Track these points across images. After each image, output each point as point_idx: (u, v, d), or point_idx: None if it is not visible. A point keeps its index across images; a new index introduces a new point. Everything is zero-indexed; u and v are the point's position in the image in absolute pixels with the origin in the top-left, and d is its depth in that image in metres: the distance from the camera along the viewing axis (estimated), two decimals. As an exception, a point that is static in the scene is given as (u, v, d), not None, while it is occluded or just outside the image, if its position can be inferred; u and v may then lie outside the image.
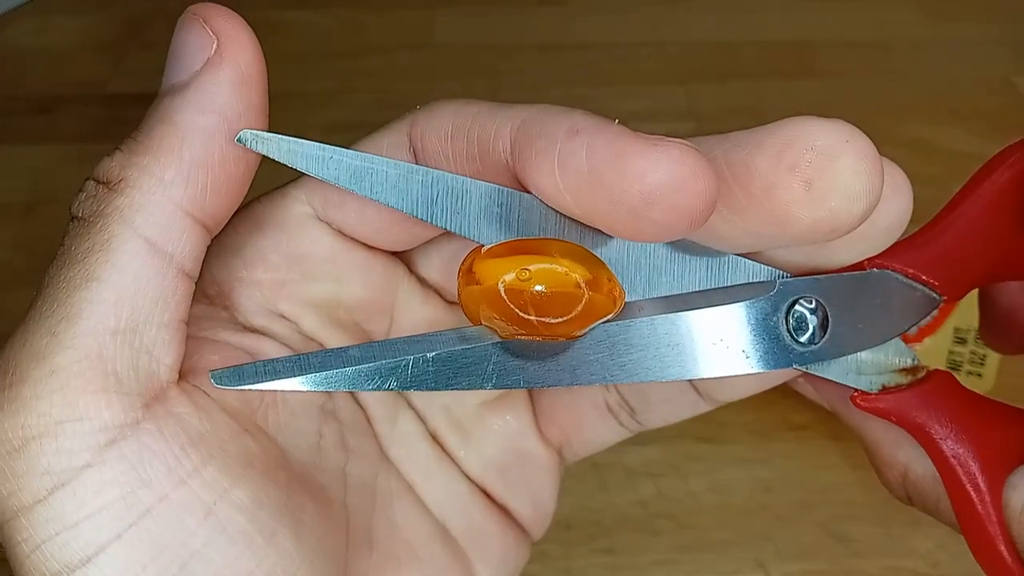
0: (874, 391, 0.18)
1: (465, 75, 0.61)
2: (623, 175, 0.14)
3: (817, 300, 0.17)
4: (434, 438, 0.23)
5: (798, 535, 0.36)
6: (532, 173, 0.16)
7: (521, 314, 0.15)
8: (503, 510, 0.24)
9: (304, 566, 0.17)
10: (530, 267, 0.14)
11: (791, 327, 0.17)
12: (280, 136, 0.16)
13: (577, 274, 0.15)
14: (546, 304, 0.15)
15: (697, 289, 0.17)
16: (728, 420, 0.39)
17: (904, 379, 0.19)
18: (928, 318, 0.19)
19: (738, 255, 0.17)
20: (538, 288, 0.14)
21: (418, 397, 0.23)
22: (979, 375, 0.38)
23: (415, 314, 0.22)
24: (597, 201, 0.15)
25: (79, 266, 0.15)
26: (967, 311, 0.35)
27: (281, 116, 0.64)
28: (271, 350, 0.19)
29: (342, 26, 0.66)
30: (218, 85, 0.16)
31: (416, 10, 0.68)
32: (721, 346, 0.16)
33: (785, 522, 0.36)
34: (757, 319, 0.16)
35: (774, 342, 0.16)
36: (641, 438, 0.40)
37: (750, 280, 0.17)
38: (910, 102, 0.58)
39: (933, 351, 0.37)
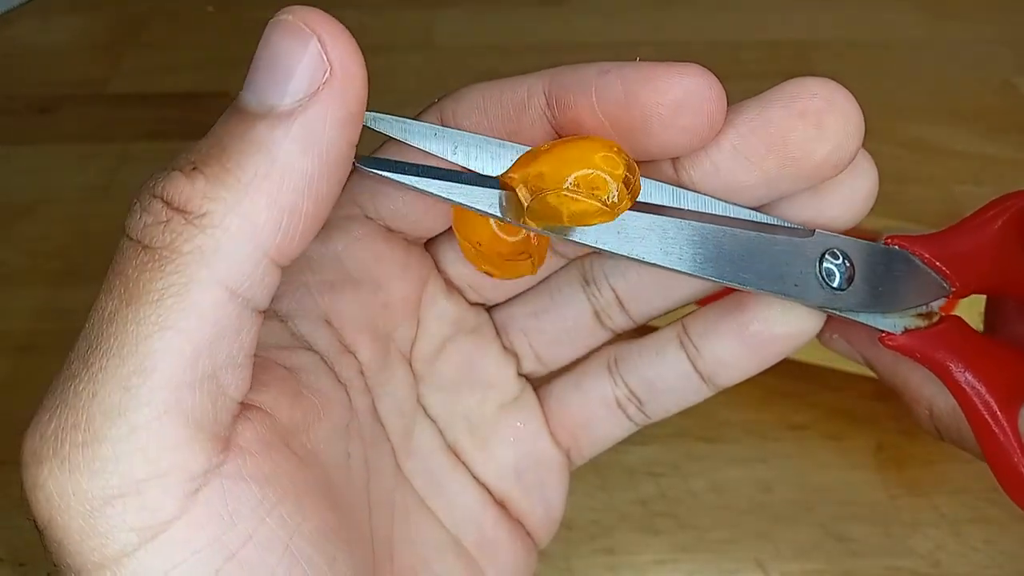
0: (897, 332, 0.21)
1: (465, 75, 0.60)
2: (655, 90, 0.17)
3: (845, 255, 0.19)
4: (452, 448, 0.23)
5: (798, 535, 0.36)
6: (572, 111, 0.18)
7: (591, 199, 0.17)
8: (513, 520, 0.24)
9: None
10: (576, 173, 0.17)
11: (823, 273, 0.19)
12: (394, 117, 0.17)
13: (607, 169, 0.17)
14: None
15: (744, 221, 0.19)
16: (728, 420, 0.39)
17: (922, 323, 0.21)
18: (934, 315, 0.21)
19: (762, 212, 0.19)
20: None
21: (437, 405, 0.23)
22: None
23: (439, 307, 0.22)
24: (633, 120, 0.17)
25: (151, 308, 0.14)
26: (969, 310, 0.35)
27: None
28: (312, 366, 0.19)
29: (342, 26, 0.66)
30: (326, 124, 0.14)
31: (416, 11, 0.68)
32: (762, 267, 0.18)
33: (785, 522, 0.36)
34: (794, 256, 0.19)
35: (808, 280, 0.19)
36: (641, 438, 0.40)
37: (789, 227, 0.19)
38: (910, 102, 0.58)
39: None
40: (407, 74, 0.61)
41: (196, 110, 0.58)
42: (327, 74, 0.14)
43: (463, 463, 0.23)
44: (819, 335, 0.23)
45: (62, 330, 0.43)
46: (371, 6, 0.68)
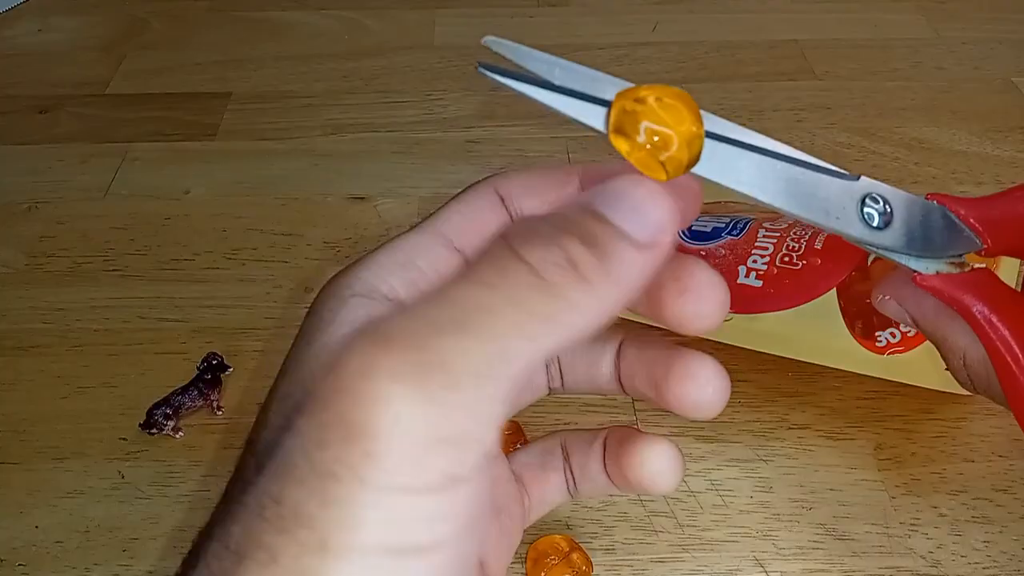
0: (930, 274, 0.22)
1: (465, 76, 0.61)
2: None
3: (885, 201, 0.21)
4: None
5: (797, 534, 0.36)
6: None
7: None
8: None
9: None
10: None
11: (863, 214, 0.21)
12: (510, 41, 0.19)
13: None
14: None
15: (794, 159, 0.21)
16: (728, 420, 0.39)
17: (954, 269, 0.23)
18: (966, 265, 0.23)
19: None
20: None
21: None
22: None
23: None
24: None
25: (525, 319, 0.17)
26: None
27: (282, 116, 0.64)
28: None
29: (342, 26, 0.66)
30: (659, 259, 0.18)
31: (416, 11, 0.68)
32: (810, 199, 0.20)
33: (784, 521, 0.36)
34: (839, 194, 0.21)
35: (849, 216, 0.21)
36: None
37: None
38: (910, 102, 0.58)
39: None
40: (407, 74, 0.61)
41: (196, 110, 0.58)
42: (669, 230, 0.18)
43: None
44: (872, 297, 0.26)
45: (62, 330, 0.43)
46: (371, 6, 0.68)
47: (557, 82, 0.19)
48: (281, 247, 0.48)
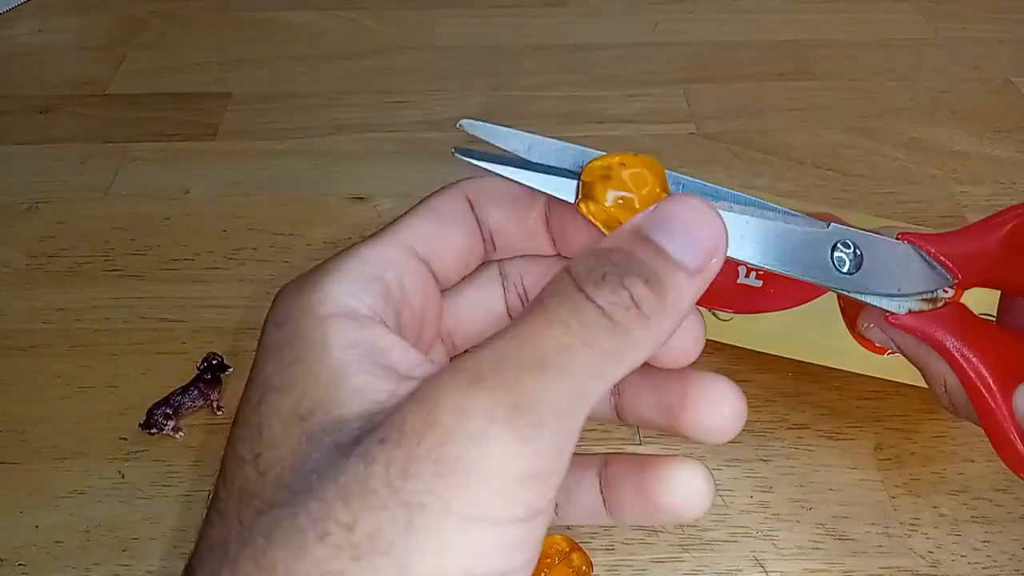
0: (902, 313, 0.23)
1: (465, 76, 0.61)
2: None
3: (855, 245, 0.22)
4: None
5: (797, 534, 0.36)
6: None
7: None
8: None
9: None
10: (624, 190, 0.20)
11: (834, 260, 0.22)
12: (482, 122, 0.21)
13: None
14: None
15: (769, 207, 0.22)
16: (728, 420, 0.39)
17: (927, 306, 0.23)
18: (939, 301, 0.23)
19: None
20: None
21: None
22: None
23: None
24: None
25: (595, 356, 0.17)
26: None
27: (282, 116, 0.64)
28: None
29: (342, 27, 0.66)
30: (706, 283, 0.19)
31: (417, 11, 0.68)
32: (782, 251, 0.21)
33: (784, 521, 0.36)
34: (809, 243, 0.22)
35: (821, 264, 0.22)
36: (641, 438, 0.40)
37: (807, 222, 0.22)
38: (910, 102, 0.58)
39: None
40: (407, 75, 0.61)
41: (196, 110, 0.58)
42: (718, 254, 0.19)
43: None
44: (856, 325, 0.26)
45: (62, 330, 0.43)
46: (371, 6, 0.68)
47: (530, 158, 0.21)
48: (281, 247, 0.48)
